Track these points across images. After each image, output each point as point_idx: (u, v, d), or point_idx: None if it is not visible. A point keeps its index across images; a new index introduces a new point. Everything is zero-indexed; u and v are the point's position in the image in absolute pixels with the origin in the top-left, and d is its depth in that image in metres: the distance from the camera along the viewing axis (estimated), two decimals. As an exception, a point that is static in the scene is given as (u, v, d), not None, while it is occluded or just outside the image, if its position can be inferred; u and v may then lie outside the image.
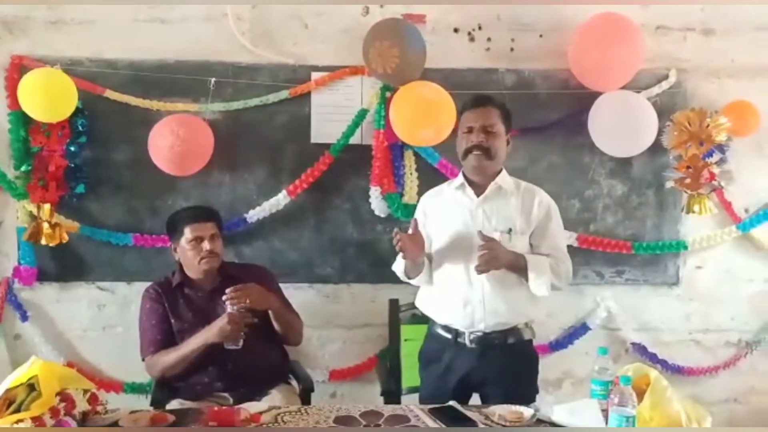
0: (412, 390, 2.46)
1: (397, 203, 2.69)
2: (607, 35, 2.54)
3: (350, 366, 2.81)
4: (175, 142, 2.47)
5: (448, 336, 2.12)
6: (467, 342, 2.08)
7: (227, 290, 2.10)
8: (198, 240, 2.23)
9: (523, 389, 2.07)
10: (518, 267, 2.04)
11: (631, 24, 2.60)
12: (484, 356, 2.08)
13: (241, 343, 2.08)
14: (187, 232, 2.24)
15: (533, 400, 2.11)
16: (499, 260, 1.99)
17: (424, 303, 2.23)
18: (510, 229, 2.08)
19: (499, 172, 2.14)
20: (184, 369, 2.16)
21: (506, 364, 2.08)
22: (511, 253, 2.02)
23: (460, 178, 2.15)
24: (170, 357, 2.15)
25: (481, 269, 1.98)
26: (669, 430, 1.61)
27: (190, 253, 2.23)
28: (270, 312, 2.24)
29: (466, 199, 2.12)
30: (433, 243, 2.15)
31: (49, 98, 2.45)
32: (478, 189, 2.12)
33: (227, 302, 2.09)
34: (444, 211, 2.15)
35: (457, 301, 2.08)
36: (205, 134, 2.57)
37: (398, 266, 2.21)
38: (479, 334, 2.07)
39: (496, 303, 2.05)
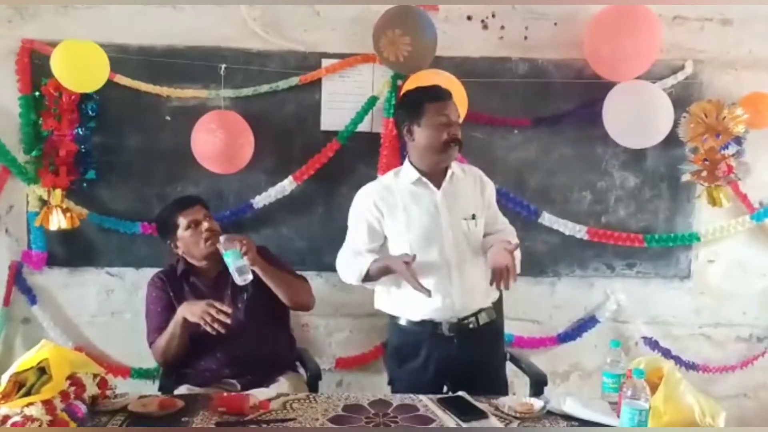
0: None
1: (404, 192, 2.67)
2: (625, 24, 2.49)
3: (357, 355, 2.81)
4: (250, 147, 2.54)
5: (424, 329, 2.09)
6: (445, 331, 2.08)
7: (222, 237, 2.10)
8: (194, 223, 2.21)
9: (498, 368, 2.19)
10: None
11: (649, 13, 2.56)
12: (461, 342, 2.08)
13: (251, 276, 2.07)
14: (181, 221, 2.22)
15: (505, 377, 2.19)
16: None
17: (387, 302, 2.16)
18: (474, 215, 2.09)
19: None
20: (187, 353, 2.15)
21: (481, 346, 2.11)
22: (512, 246, 2.01)
23: (414, 172, 2.09)
24: (162, 338, 2.15)
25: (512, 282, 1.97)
26: (675, 430, 1.59)
27: (191, 239, 2.21)
28: (262, 275, 2.18)
29: (428, 192, 2.09)
30: (398, 241, 2.09)
31: (82, 68, 2.43)
32: (433, 180, 2.10)
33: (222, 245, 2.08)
34: (405, 208, 2.08)
35: (436, 295, 2.03)
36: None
37: (356, 271, 2.08)
38: (454, 321, 2.08)
39: (470, 290, 2.06)
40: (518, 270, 2.15)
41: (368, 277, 2.08)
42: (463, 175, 2.16)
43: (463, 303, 2.07)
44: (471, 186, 2.16)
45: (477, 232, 2.11)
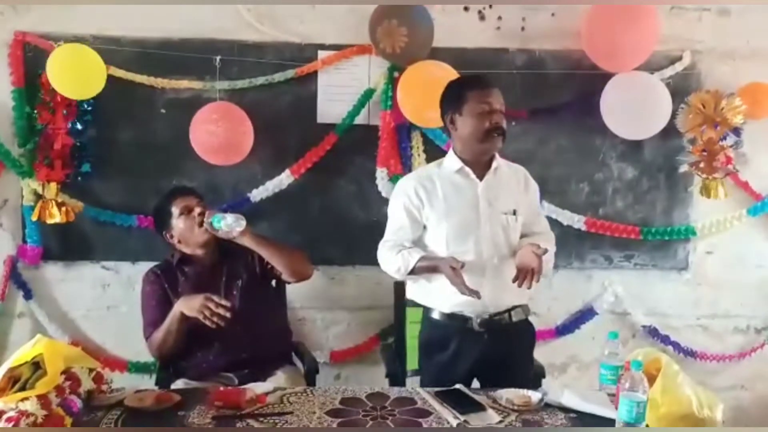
0: (417, 373, 2.45)
1: (404, 185, 2.66)
2: (623, 15, 2.48)
3: (354, 348, 2.80)
4: (247, 132, 2.51)
5: (454, 322, 2.07)
6: (475, 326, 2.04)
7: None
8: (187, 209, 2.22)
9: (526, 369, 2.13)
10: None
11: (646, 4, 2.54)
12: (491, 338, 2.05)
13: (244, 221, 2.10)
14: (174, 209, 2.23)
15: (531, 377, 2.15)
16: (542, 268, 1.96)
17: (420, 293, 2.13)
18: (514, 211, 2.06)
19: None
20: (184, 347, 2.15)
21: (512, 344, 2.08)
22: (541, 251, 1.96)
23: (456, 161, 2.07)
24: (159, 333, 2.14)
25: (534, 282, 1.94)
26: (670, 430, 1.59)
27: (185, 224, 2.21)
28: (255, 247, 2.19)
29: (469, 182, 2.06)
30: (436, 231, 2.06)
31: (79, 74, 2.41)
32: (476, 171, 2.07)
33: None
34: (445, 197, 2.04)
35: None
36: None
37: (401, 266, 2.02)
38: (485, 317, 2.04)
39: (504, 286, 2.01)
40: (549, 274, 2.14)
41: (412, 272, 2.03)
42: (508, 170, 2.13)
43: (494, 298, 2.03)
44: (515, 182, 2.12)
45: (516, 228, 2.07)
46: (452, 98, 2.06)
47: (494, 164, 2.07)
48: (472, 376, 2.09)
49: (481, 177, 2.06)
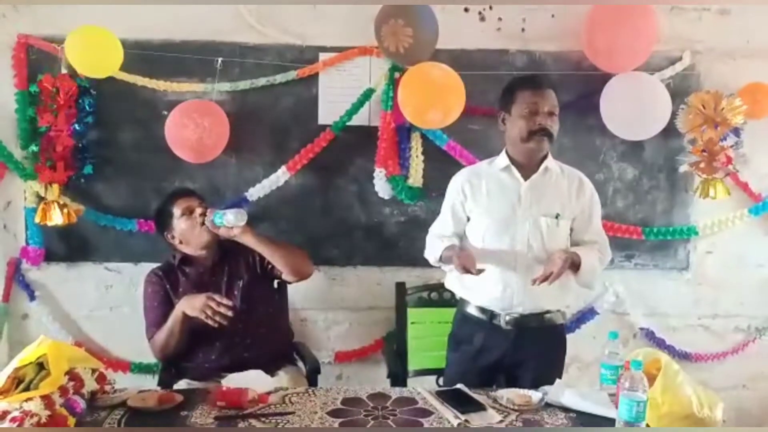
0: (419, 372, 2.47)
1: (401, 185, 2.66)
2: (622, 16, 2.48)
3: (356, 348, 2.81)
4: (203, 133, 2.48)
5: (483, 317, 2.09)
6: (503, 323, 2.05)
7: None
8: (189, 210, 2.24)
9: (553, 371, 2.05)
10: (573, 264, 2.00)
11: (646, 4, 2.54)
12: (519, 338, 2.05)
13: (245, 215, 2.12)
14: (176, 210, 2.24)
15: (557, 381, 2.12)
16: (562, 273, 1.96)
17: (456, 283, 2.17)
18: (558, 215, 2.05)
19: (546, 154, 2.09)
20: (186, 347, 2.16)
21: (540, 346, 2.07)
22: (568, 257, 1.96)
23: (504, 159, 2.09)
24: (161, 334, 2.15)
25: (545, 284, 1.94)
26: (668, 430, 1.60)
27: (187, 225, 2.22)
28: (255, 245, 2.20)
29: (513, 181, 2.07)
30: (475, 224, 2.10)
31: (97, 53, 2.44)
32: (524, 171, 2.07)
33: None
34: (488, 193, 2.08)
35: (497, 283, 2.03)
36: (224, 120, 2.57)
37: (433, 253, 2.12)
38: (516, 315, 2.05)
39: (537, 289, 1.98)
40: (590, 285, 2.14)
41: (446, 262, 2.08)
42: (560, 173, 2.11)
43: (524, 299, 2.03)
44: (566, 186, 2.09)
45: (558, 232, 2.05)
46: (504, 98, 2.09)
47: (543, 166, 2.07)
48: (497, 374, 2.09)
49: (527, 177, 2.07)
